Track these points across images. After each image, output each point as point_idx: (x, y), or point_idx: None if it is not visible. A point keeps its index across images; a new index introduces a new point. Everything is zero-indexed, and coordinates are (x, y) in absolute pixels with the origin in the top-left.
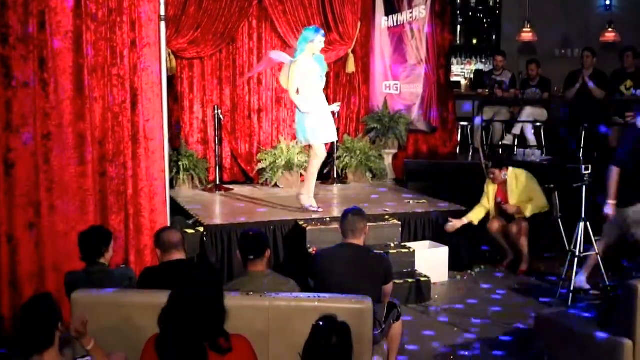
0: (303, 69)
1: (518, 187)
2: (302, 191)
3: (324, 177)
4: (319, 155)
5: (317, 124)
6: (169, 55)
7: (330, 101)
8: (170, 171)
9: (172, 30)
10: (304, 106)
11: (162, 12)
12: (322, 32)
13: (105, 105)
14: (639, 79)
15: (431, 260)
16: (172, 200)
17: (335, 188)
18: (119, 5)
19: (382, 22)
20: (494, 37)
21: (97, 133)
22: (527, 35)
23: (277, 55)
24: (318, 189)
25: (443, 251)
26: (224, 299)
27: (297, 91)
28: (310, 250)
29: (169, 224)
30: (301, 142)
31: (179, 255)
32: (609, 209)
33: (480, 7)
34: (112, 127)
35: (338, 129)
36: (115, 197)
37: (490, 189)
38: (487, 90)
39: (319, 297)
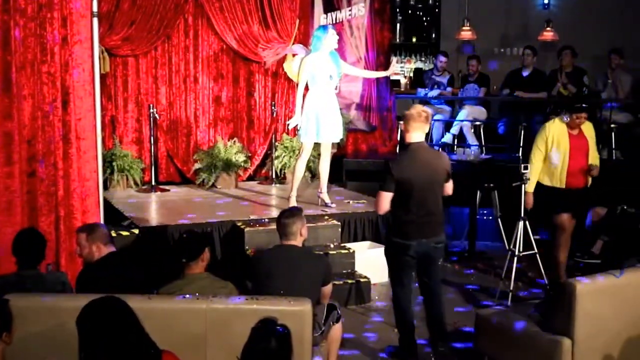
0: (309, 66)
1: (592, 138)
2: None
3: (262, 177)
4: (302, 154)
5: (306, 122)
6: (102, 52)
7: (269, 99)
8: (104, 172)
9: (105, 26)
10: (298, 104)
11: (95, 8)
12: (329, 27)
13: (35, 103)
14: (575, 78)
15: (371, 260)
16: (106, 201)
17: (274, 188)
18: (49, 1)
19: (321, 19)
20: (433, 35)
21: (25, 132)
22: (466, 33)
23: (298, 48)
24: (254, 189)
25: (383, 252)
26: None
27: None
28: (249, 251)
29: None
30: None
31: (108, 249)
32: None
33: (420, 5)
34: (42, 126)
35: (276, 129)
36: (45, 198)
37: (562, 135)
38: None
39: (257, 299)
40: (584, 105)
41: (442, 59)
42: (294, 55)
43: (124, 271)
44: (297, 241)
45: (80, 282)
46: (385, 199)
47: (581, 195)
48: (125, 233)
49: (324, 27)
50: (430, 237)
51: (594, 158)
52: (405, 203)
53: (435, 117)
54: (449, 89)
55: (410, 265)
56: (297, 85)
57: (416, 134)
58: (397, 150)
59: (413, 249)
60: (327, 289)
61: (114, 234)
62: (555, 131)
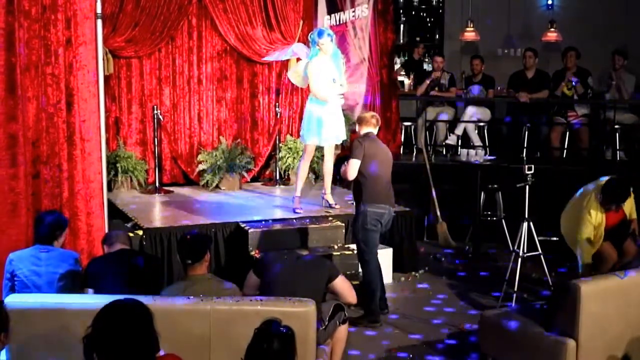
0: (314, 71)
1: (630, 208)
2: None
3: (266, 178)
4: (305, 156)
5: (308, 124)
6: (106, 54)
7: (273, 100)
8: (108, 173)
9: (109, 28)
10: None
11: (99, 10)
12: (326, 32)
13: (39, 105)
14: (580, 79)
15: None
16: (110, 202)
17: (278, 190)
18: (53, 3)
19: (325, 20)
20: (437, 36)
21: (30, 134)
22: (470, 34)
23: (299, 49)
24: (258, 190)
25: (387, 253)
26: (153, 321)
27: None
28: (253, 253)
29: (106, 227)
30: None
31: (121, 246)
32: None
33: (423, 6)
34: (46, 127)
35: (280, 130)
36: (49, 199)
37: (601, 221)
38: (421, 88)
39: (261, 300)
40: (620, 201)
41: (438, 59)
42: (297, 59)
43: (129, 264)
44: None
45: (89, 267)
46: (355, 166)
47: (613, 231)
48: (129, 234)
49: (320, 32)
50: (393, 206)
51: (631, 215)
52: (374, 174)
53: (439, 118)
54: (452, 89)
55: (379, 233)
56: (312, 88)
57: (368, 130)
58: None
59: (385, 216)
60: (340, 283)
61: None
62: (597, 218)
